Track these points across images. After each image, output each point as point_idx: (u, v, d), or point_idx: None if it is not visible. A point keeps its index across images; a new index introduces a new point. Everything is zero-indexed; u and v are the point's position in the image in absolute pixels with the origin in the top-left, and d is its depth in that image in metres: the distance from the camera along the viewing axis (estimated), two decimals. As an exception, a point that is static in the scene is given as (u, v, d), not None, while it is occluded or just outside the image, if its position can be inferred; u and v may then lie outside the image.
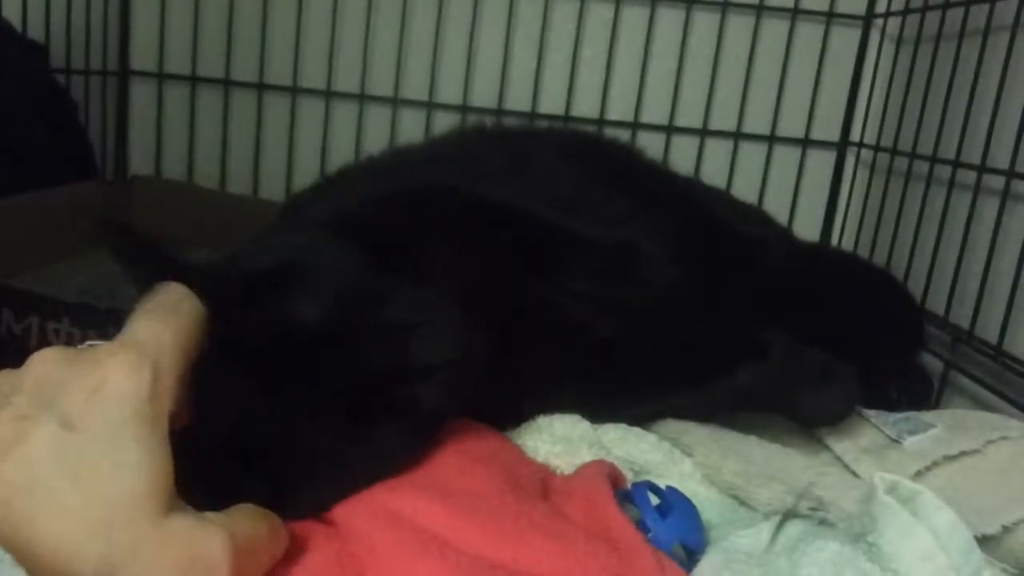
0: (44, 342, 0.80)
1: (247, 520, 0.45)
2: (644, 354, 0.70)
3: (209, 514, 0.42)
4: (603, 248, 0.72)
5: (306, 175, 1.30)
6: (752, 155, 1.32)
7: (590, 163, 0.87)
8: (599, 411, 0.70)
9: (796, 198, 1.32)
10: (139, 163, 1.35)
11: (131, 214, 1.28)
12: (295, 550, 0.52)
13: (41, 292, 0.81)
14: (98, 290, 0.91)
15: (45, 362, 0.42)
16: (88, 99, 1.28)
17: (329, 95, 1.32)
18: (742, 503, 0.64)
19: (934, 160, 1.04)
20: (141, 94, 1.35)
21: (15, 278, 0.90)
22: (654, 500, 0.57)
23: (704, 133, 1.30)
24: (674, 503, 0.56)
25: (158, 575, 0.39)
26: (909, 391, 0.88)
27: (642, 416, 0.72)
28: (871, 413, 0.74)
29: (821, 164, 1.32)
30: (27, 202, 1.09)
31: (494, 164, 0.81)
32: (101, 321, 0.79)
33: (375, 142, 1.31)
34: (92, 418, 0.40)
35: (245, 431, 0.49)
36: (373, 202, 0.69)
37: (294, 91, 1.32)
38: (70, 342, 0.79)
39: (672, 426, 0.71)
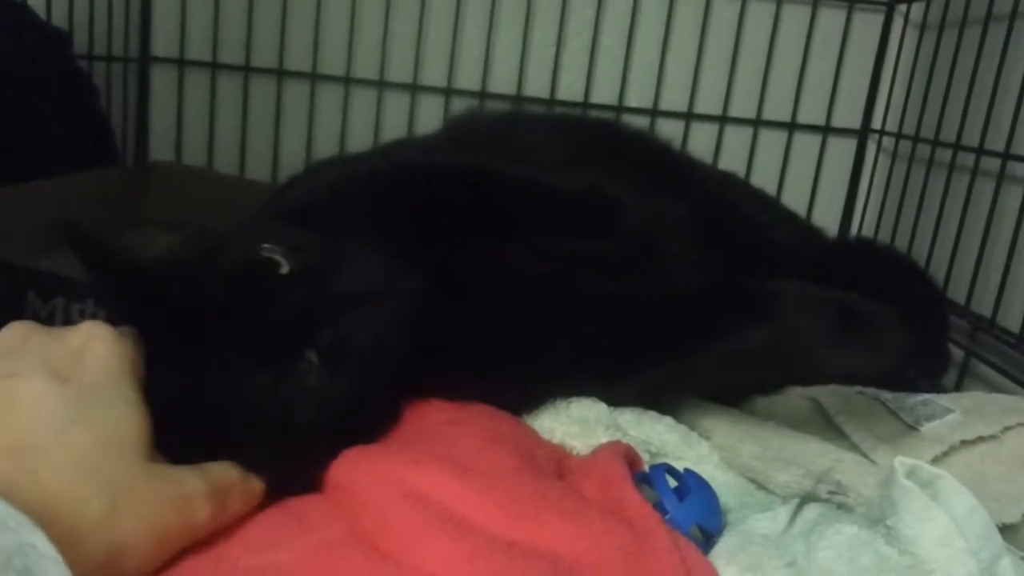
0: (69, 323, 0.80)
1: (217, 466, 0.50)
2: (633, 314, 0.66)
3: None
4: (572, 198, 0.70)
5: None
6: (772, 143, 1.31)
7: (581, 139, 0.86)
8: (597, 382, 0.67)
9: (816, 186, 1.31)
10: (159, 149, 1.36)
11: (150, 200, 1.29)
12: (310, 523, 0.53)
13: (65, 273, 0.82)
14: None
15: (22, 328, 0.48)
16: (110, 85, 1.29)
17: (348, 81, 1.32)
18: (760, 487, 0.64)
19: (957, 147, 1.03)
20: (162, 80, 1.36)
21: (36, 263, 0.91)
22: (672, 483, 0.57)
23: (723, 120, 1.30)
24: (692, 485, 0.56)
25: (152, 507, 0.44)
26: (927, 367, 0.86)
27: (645, 389, 0.68)
28: (888, 397, 0.74)
29: (841, 152, 1.31)
30: (48, 188, 1.10)
31: (479, 144, 0.81)
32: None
33: (394, 129, 1.31)
34: (81, 374, 0.45)
35: (183, 401, 0.51)
36: (331, 186, 0.71)
37: (313, 77, 1.33)
38: (95, 324, 0.80)
39: (690, 409, 0.71)
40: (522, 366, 0.66)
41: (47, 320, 0.81)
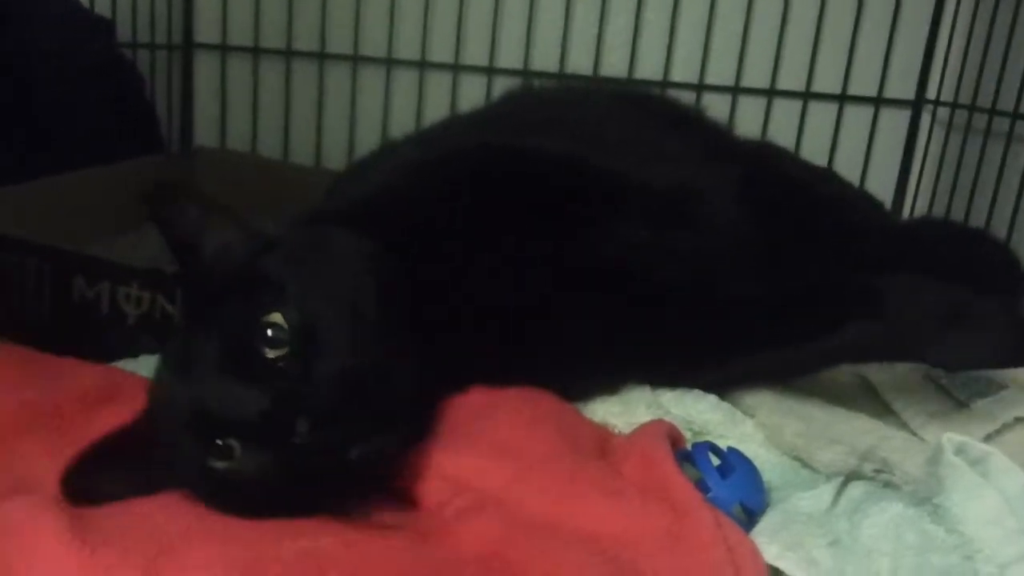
0: (115, 307, 0.81)
1: None
2: (721, 308, 0.64)
3: None
4: (656, 192, 0.68)
5: (368, 144, 1.29)
6: (822, 116, 1.28)
7: (642, 115, 0.85)
8: (674, 375, 0.66)
9: (868, 160, 1.27)
10: (204, 135, 1.37)
11: (196, 184, 1.30)
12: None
13: (111, 258, 0.83)
14: (164, 260, 0.93)
15: None
16: (154, 72, 1.31)
17: (390, 63, 1.32)
18: (804, 465, 0.62)
19: (1015, 116, 0.99)
20: (205, 66, 1.37)
21: (83, 249, 0.92)
22: (714, 461, 0.56)
23: (771, 94, 1.27)
24: (735, 464, 0.55)
25: None
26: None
27: (725, 381, 0.67)
28: (940, 373, 0.72)
29: (894, 124, 1.27)
30: (94, 176, 1.11)
31: (538, 119, 0.79)
32: (169, 285, 0.80)
33: (436, 110, 1.31)
34: None
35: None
36: (402, 174, 0.70)
37: (355, 60, 1.32)
38: (139, 306, 0.81)
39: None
40: (609, 356, 0.66)
41: (93, 303, 0.83)
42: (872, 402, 0.73)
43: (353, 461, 0.50)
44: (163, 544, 0.49)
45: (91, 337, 0.81)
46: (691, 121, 0.93)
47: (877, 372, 0.75)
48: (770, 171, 0.84)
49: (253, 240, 0.60)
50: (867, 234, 0.79)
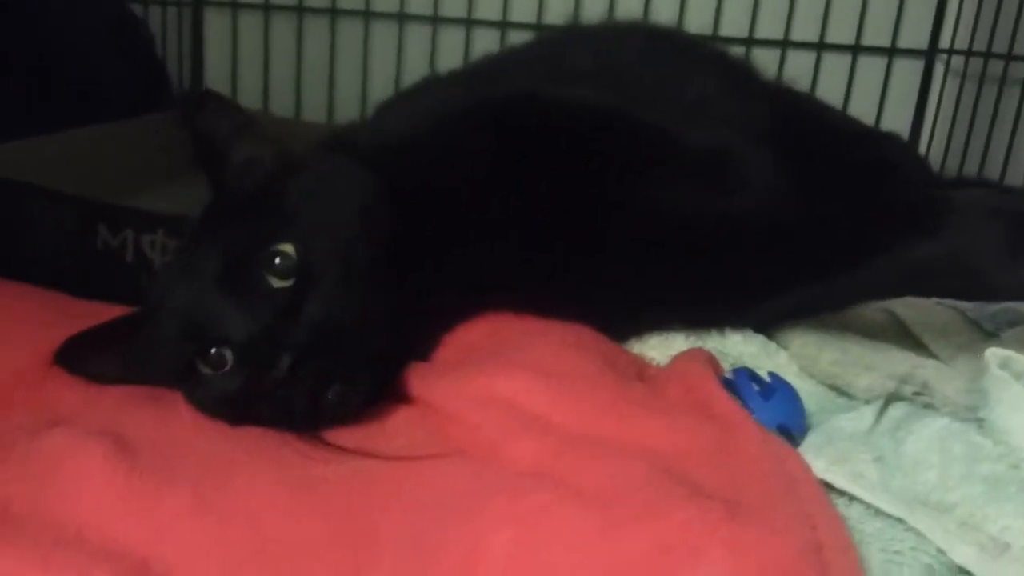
0: (140, 254, 0.81)
1: None
2: (765, 242, 0.62)
3: None
4: (696, 148, 0.67)
5: (380, 98, 1.30)
6: (835, 67, 1.27)
7: (680, 56, 0.84)
8: (721, 313, 0.65)
9: (881, 111, 1.27)
10: (216, 93, 1.36)
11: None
12: (394, 430, 0.53)
13: (135, 205, 0.83)
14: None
15: None
16: (165, 30, 1.30)
17: (402, 18, 1.31)
18: (840, 393, 0.63)
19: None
20: (215, 24, 1.36)
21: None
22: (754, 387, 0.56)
23: (785, 45, 1.26)
24: (776, 387, 0.56)
25: None
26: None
27: (775, 317, 0.66)
28: (967, 307, 0.72)
29: (908, 74, 1.27)
30: (104, 133, 1.11)
31: (578, 65, 0.79)
32: (196, 231, 0.80)
33: (449, 65, 1.28)
34: None
35: None
36: (435, 121, 0.69)
37: (367, 15, 1.31)
38: (165, 253, 0.81)
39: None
40: (648, 300, 0.65)
41: (118, 251, 0.82)
42: (900, 336, 0.73)
43: (327, 400, 0.53)
44: (209, 466, 0.50)
45: (116, 286, 0.81)
46: (722, 60, 0.92)
47: (903, 308, 0.76)
48: (805, 113, 0.84)
49: (279, 160, 0.61)
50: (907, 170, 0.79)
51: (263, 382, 0.53)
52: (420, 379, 0.57)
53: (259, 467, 0.50)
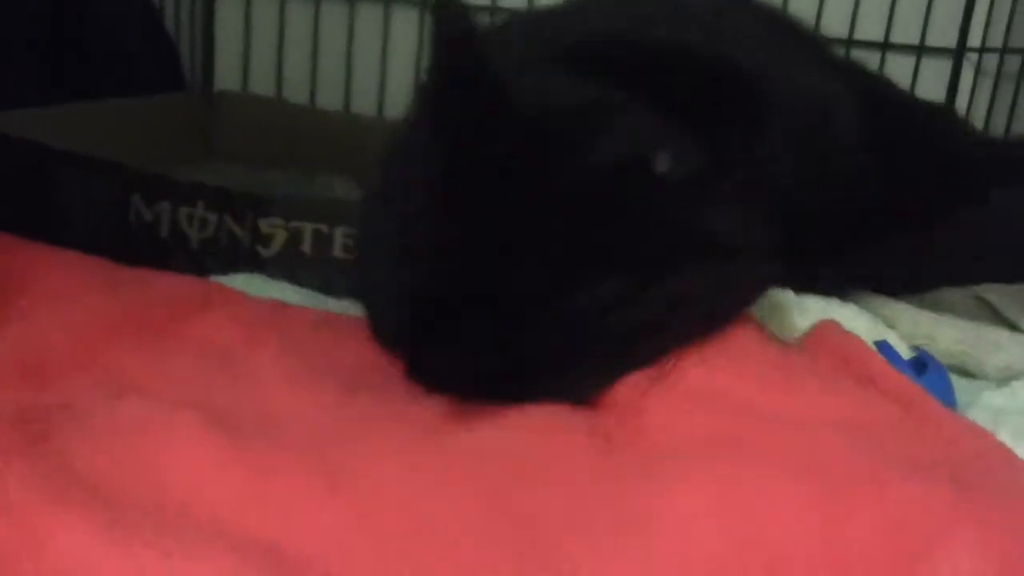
0: (176, 229, 0.75)
1: None
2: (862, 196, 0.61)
3: None
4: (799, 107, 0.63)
5: (400, 86, 1.26)
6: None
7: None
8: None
9: (910, 109, 1.25)
10: (226, 79, 1.30)
11: (217, 131, 1.23)
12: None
13: (174, 176, 0.76)
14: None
15: None
16: (178, 12, 1.24)
17: (424, 4, 1.26)
18: (963, 374, 0.59)
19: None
20: (227, 5, 1.29)
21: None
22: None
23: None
24: (926, 361, 0.51)
25: None
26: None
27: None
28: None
29: (937, 73, 1.24)
30: (114, 109, 1.05)
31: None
32: (238, 205, 0.74)
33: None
34: None
35: None
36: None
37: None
38: (204, 229, 0.75)
39: (869, 299, 0.66)
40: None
41: (153, 226, 0.76)
42: (992, 321, 0.70)
43: None
44: (324, 435, 0.44)
45: (150, 262, 0.74)
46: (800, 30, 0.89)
47: (990, 292, 0.72)
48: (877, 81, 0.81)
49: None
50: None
51: None
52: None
53: (376, 441, 0.44)
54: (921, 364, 0.52)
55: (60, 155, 0.77)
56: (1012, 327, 0.69)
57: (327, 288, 0.73)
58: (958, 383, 0.59)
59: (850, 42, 1.24)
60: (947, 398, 0.50)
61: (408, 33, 1.27)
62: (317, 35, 1.28)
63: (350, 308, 0.67)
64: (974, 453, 0.41)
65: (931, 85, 1.24)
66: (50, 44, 1.04)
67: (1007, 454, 0.41)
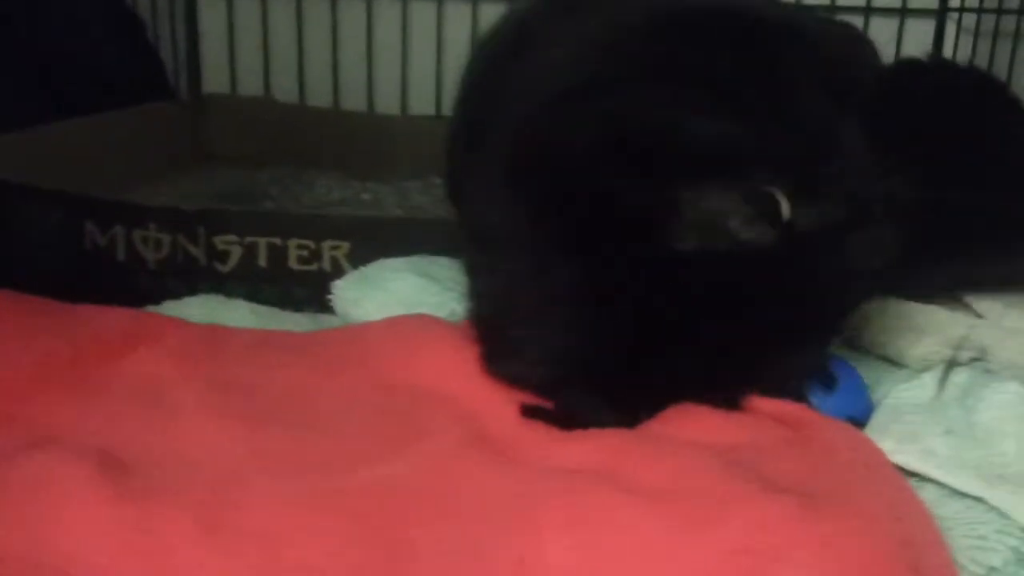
0: (133, 252, 0.77)
1: None
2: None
3: None
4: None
5: (388, 83, 1.27)
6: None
7: None
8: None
9: (894, 73, 1.23)
10: (213, 81, 1.31)
11: (208, 134, 1.25)
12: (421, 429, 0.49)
13: (123, 199, 0.78)
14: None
15: None
16: (156, 16, 1.25)
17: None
18: (892, 363, 0.59)
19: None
20: (211, 7, 1.30)
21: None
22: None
23: (795, 8, 1.22)
24: (838, 373, 0.52)
25: None
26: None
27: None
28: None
29: (920, 34, 1.23)
30: (102, 122, 1.06)
31: None
32: (191, 224, 0.76)
33: (456, 44, 1.25)
34: None
35: None
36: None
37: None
38: (159, 249, 0.77)
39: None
40: None
41: (108, 250, 0.77)
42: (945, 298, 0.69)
43: None
44: (214, 482, 0.44)
45: (107, 288, 0.75)
46: None
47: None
48: None
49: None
50: None
51: None
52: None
53: (273, 479, 0.45)
54: (831, 380, 0.52)
55: (1, 185, 0.78)
56: (962, 304, 0.68)
57: (285, 299, 0.75)
58: (890, 373, 0.59)
59: (832, 7, 1.22)
60: (857, 408, 0.51)
61: (392, 26, 1.28)
62: (301, 33, 1.29)
63: (302, 323, 0.70)
64: (841, 469, 0.42)
65: (914, 48, 1.22)
66: (30, 58, 1.05)
67: (875, 469, 0.42)
